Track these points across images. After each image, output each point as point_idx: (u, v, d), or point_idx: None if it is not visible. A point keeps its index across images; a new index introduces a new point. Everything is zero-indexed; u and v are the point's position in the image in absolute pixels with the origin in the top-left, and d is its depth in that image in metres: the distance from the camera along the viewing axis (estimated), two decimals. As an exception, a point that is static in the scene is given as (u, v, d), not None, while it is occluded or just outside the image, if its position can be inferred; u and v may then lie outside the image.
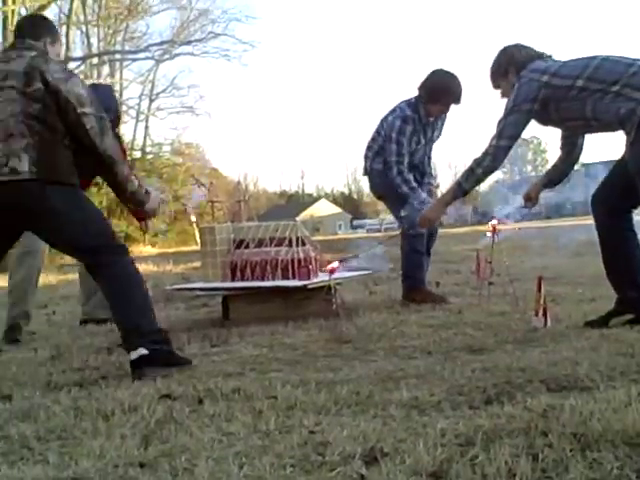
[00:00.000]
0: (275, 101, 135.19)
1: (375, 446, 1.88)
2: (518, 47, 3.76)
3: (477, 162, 3.70)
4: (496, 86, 3.83)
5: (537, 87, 3.51)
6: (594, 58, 3.46)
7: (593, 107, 3.39)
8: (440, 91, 5.07)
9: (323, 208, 74.38)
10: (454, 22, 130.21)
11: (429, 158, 5.50)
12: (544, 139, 69.74)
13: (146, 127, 35.19)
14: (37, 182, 3.06)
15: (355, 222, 71.56)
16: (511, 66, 3.70)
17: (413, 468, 1.71)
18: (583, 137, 3.87)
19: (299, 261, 4.72)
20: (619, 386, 2.35)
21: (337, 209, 76.55)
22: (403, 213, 4.90)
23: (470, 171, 3.74)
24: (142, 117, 35.23)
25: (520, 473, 1.63)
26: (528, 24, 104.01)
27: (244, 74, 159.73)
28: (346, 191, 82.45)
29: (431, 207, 4.26)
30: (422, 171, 5.39)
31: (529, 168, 69.77)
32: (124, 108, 34.87)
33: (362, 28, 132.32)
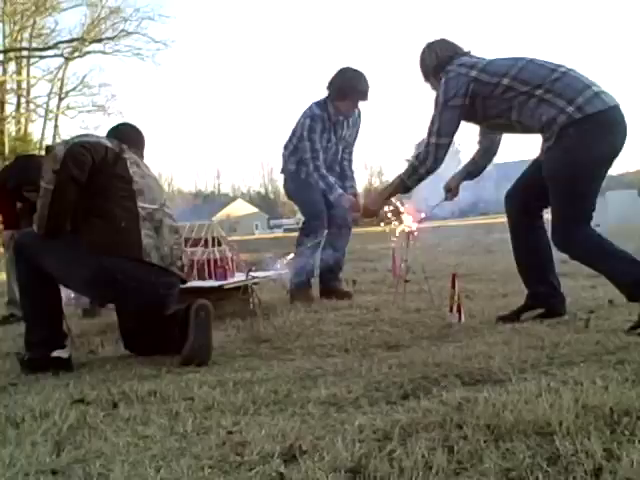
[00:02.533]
0: (189, 100, 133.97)
1: (294, 444, 1.88)
2: (442, 42, 3.78)
3: (420, 161, 3.67)
4: (426, 79, 3.84)
5: (466, 82, 3.52)
6: (520, 59, 3.52)
7: (519, 111, 3.45)
8: (346, 88, 5.17)
9: (239, 208, 74.14)
10: (369, 22, 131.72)
11: (350, 161, 5.58)
12: (457, 140, 71.15)
13: (55, 126, 34.11)
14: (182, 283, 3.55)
15: (272, 222, 71.61)
16: (428, 71, 3.74)
17: (332, 465, 1.71)
18: (501, 134, 3.94)
19: (215, 261, 4.69)
20: (530, 378, 2.42)
21: (254, 209, 76.48)
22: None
23: (413, 170, 3.71)
24: (51, 116, 34.14)
25: (436, 465, 1.66)
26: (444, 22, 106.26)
27: (158, 73, 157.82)
28: (262, 191, 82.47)
29: (372, 199, 4.22)
30: (343, 175, 5.47)
31: (442, 168, 71.11)
32: (31, 106, 33.86)
33: (279, 26, 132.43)
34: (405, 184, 3.80)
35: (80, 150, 3.17)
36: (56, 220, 3.20)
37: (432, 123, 3.63)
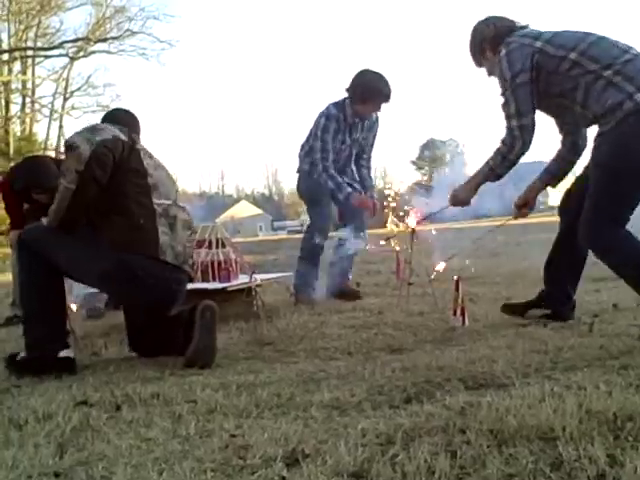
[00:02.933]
0: (194, 101, 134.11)
1: (296, 448, 1.88)
2: (488, 22, 3.61)
3: (508, 148, 3.43)
4: (478, 65, 3.69)
5: (530, 53, 3.31)
6: (591, 34, 3.31)
7: (585, 93, 3.22)
8: (369, 91, 5.14)
9: (243, 209, 74.17)
10: (372, 24, 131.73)
11: (368, 169, 5.59)
12: (461, 141, 71.21)
13: (60, 126, 34.26)
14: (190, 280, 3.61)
15: (276, 224, 71.64)
16: (485, 42, 3.58)
17: (334, 469, 1.71)
18: (585, 127, 3.58)
19: (219, 263, 4.69)
20: (533, 382, 2.41)
21: (258, 210, 76.49)
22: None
23: (502, 158, 3.46)
24: (56, 116, 34.28)
25: (439, 470, 1.65)
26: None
27: (162, 73, 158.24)
28: (266, 192, 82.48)
29: (461, 188, 3.76)
30: (362, 185, 5.48)
31: (447, 170, 71.08)
32: (36, 106, 33.98)
33: (284, 27, 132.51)
34: (495, 172, 3.56)
35: (104, 151, 3.17)
36: (73, 214, 3.21)
37: (507, 105, 3.39)
